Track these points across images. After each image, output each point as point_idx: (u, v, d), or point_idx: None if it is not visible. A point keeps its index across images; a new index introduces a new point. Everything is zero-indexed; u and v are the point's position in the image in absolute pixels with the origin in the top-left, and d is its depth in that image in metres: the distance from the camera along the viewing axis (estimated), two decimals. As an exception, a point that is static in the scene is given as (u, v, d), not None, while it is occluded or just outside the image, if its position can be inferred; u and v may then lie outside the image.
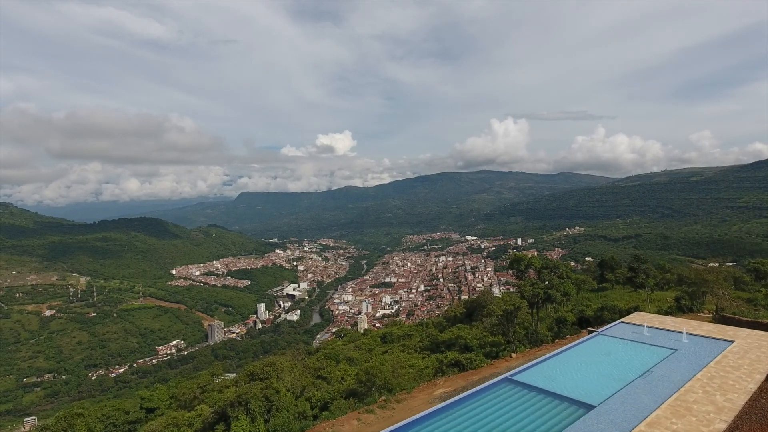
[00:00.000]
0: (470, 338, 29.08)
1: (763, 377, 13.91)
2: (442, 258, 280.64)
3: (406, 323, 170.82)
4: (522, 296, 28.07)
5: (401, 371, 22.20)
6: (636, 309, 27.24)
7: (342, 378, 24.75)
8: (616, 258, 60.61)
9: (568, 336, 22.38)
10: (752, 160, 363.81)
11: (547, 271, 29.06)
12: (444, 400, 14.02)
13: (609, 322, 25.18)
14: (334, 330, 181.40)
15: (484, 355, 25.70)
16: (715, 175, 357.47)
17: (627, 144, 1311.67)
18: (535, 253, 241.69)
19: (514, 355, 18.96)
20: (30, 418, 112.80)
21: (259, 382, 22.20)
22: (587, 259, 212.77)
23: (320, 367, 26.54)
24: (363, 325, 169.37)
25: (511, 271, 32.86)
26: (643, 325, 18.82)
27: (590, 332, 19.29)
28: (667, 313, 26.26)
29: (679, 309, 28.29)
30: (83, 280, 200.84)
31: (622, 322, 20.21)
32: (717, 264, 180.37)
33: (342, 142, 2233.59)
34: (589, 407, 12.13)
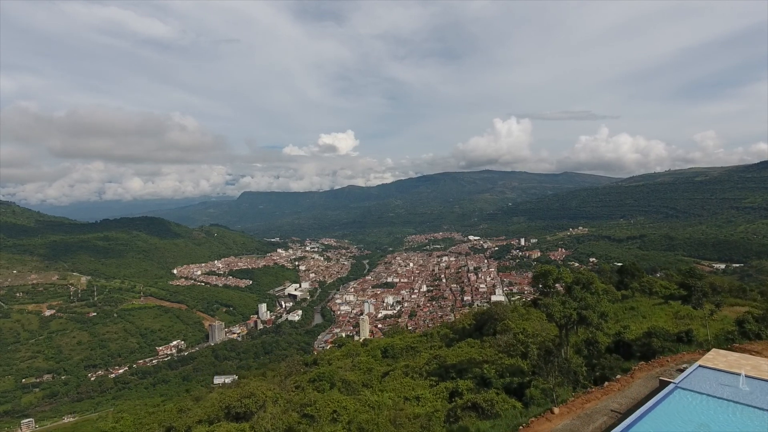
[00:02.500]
0: (487, 367, 25.03)
1: None
2: (445, 258, 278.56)
3: (409, 325, 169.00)
4: (549, 317, 24.18)
5: (403, 416, 19.13)
6: (688, 334, 23.75)
7: (335, 412, 21.59)
8: (637, 264, 56.95)
9: (618, 377, 18.37)
10: (756, 160, 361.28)
11: (579, 287, 24.45)
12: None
13: (659, 354, 21.55)
14: (336, 330, 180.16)
15: (504, 389, 22.54)
16: (719, 175, 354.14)
17: (630, 144, 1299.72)
18: (539, 254, 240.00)
19: (556, 410, 15.37)
20: (27, 420, 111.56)
21: (234, 422, 19.65)
22: (591, 260, 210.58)
23: (307, 403, 23.03)
24: (365, 326, 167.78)
25: (535, 287, 29.44)
26: (738, 374, 13.73)
27: (663, 383, 14.58)
28: (727, 340, 22.52)
29: (743, 335, 23.34)
30: (84, 279, 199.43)
31: (701, 366, 15.22)
32: (723, 266, 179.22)
33: (344, 142, 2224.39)
34: None
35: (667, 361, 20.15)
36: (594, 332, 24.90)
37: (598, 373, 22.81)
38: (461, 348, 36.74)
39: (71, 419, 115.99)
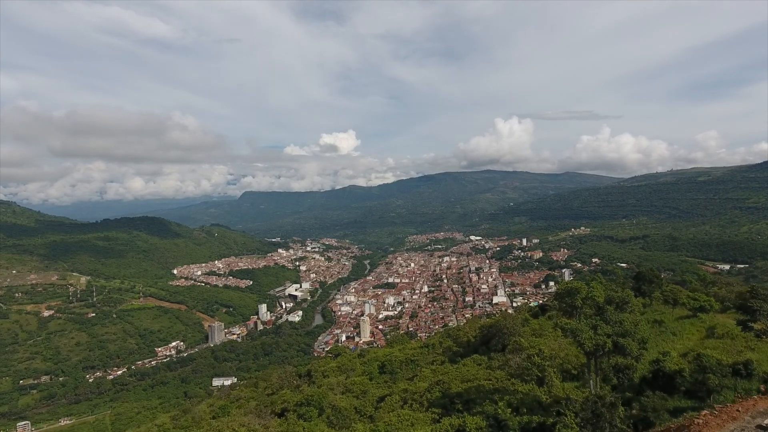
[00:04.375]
0: (502, 405, 21.80)
1: None
2: (446, 258, 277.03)
3: (410, 326, 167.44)
4: (578, 344, 20.53)
5: None
6: (747, 366, 20.34)
7: None
8: (655, 269, 52.94)
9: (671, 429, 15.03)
10: (759, 160, 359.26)
11: (613, 307, 20.86)
12: None
13: (715, 393, 18.37)
14: (336, 331, 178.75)
15: (522, 430, 19.82)
16: (722, 175, 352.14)
17: (632, 144, 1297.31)
18: (541, 254, 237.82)
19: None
20: (23, 423, 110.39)
21: None
22: (594, 260, 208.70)
23: None
24: (365, 327, 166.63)
25: (558, 305, 25.67)
26: None
27: None
28: None
29: None
30: (83, 279, 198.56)
31: None
32: (728, 266, 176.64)
33: (346, 142, 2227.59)
34: None
35: (738, 411, 16.10)
36: (633, 364, 21.44)
37: (634, 411, 20.13)
38: (467, 367, 34.12)
39: (68, 422, 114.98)
